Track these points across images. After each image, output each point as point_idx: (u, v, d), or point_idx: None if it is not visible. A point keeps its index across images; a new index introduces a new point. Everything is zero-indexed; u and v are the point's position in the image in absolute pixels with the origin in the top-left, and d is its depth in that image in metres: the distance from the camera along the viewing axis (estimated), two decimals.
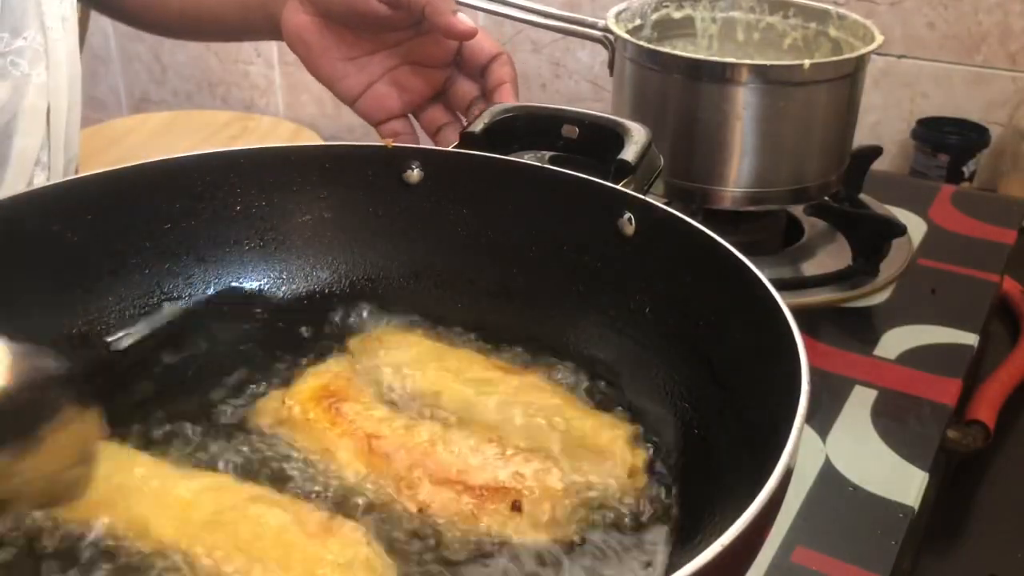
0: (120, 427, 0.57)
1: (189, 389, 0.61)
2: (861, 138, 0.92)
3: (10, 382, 0.46)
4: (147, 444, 0.56)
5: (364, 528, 0.49)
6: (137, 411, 0.59)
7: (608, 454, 0.55)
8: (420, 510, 0.51)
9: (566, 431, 0.56)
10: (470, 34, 0.74)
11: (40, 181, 0.78)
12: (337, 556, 0.47)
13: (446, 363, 0.62)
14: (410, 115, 0.82)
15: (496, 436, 0.55)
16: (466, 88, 0.79)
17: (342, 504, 0.52)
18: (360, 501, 0.52)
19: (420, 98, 0.79)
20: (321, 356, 0.64)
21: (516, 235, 0.67)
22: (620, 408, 0.59)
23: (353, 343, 0.65)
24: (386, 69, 0.78)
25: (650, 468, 0.55)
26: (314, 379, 0.60)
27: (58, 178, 0.79)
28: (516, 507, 0.51)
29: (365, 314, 0.68)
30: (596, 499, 0.53)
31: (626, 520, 0.52)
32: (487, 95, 0.78)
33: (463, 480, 0.52)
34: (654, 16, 0.92)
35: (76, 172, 0.83)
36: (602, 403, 0.60)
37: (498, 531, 0.50)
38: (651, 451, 0.56)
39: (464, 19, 0.73)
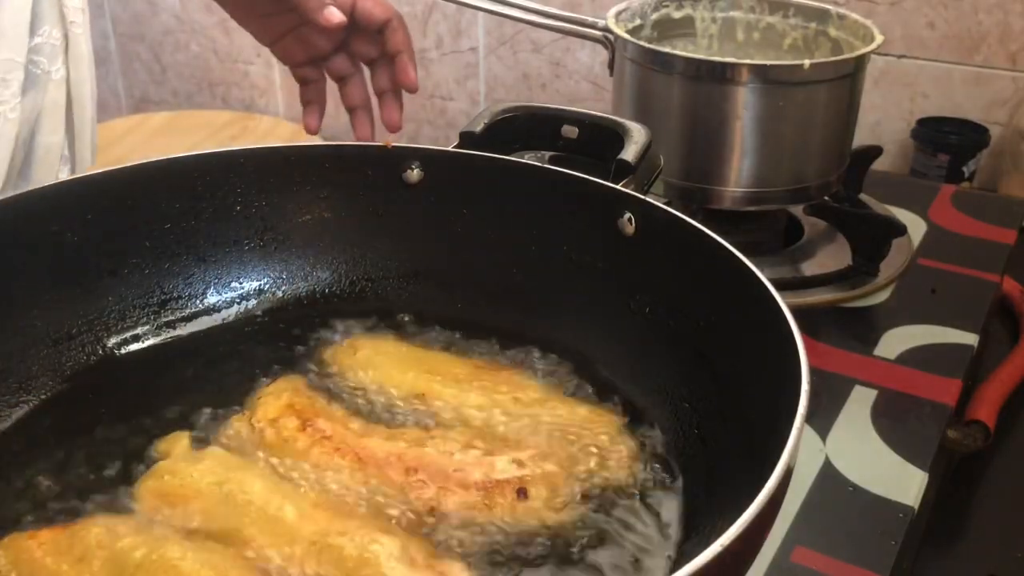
0: (122, 427, 0.58)
1: (188, 390, 0.61)
2: (861, 138, 0.91)
3: None
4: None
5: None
6: (138, 413, 0.59)
7: (596, 444, 0.56)
8: (431, 509, 0.51)
9: (552, 425, 0.57)
10: (341, 25, 0.80)
11: (65, 176, 0.78)
12: None
13: (426, 366, 0.62)
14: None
15: (480, 435, 0.56)
16: (364, 48, 0.86)
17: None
18: (364, 510, 0.51)
19: (322, 52, 0.86)
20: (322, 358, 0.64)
21: (516, 235, 0.67)
22: (619, 407, 0.59)
23: (328, 353, 0.64)
24: (289, 27, 0.84)
25: (649, 467, 0.55)
26: (273, 399, 0.58)
27: (83, 172, 0.79)
28: (523, 494, 0.51)
29: (362, 315, 0.68)
30: (595, 487, 0.53)
31: (626, 519, 0.52)
32: (389, 60, 0.84)
33: (463, 478, 0.52)
34: (654, 16, 0.92)
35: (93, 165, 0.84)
36: (601, 402, 0.60)
37: (510, 518, 0.51)
38: (647, 446, 0.56)
39: (334, 12, 0.79)
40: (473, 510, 0.51)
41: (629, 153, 0.66)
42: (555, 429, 0.57)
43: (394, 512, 0.51)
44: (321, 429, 0.56)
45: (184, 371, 0.63)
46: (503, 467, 0.53)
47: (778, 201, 0.87)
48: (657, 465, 0.55)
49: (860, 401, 0.71)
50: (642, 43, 0.83)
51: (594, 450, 0.56)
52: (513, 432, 0.57)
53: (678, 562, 0.48)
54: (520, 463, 0.53)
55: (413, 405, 0.59)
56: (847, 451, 0.66)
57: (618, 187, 0.63)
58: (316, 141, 0.74)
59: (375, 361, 0.62)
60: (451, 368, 0.62)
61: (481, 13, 0.88)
